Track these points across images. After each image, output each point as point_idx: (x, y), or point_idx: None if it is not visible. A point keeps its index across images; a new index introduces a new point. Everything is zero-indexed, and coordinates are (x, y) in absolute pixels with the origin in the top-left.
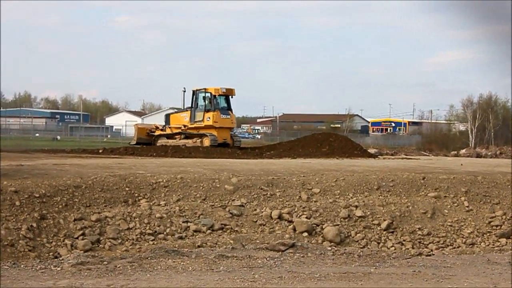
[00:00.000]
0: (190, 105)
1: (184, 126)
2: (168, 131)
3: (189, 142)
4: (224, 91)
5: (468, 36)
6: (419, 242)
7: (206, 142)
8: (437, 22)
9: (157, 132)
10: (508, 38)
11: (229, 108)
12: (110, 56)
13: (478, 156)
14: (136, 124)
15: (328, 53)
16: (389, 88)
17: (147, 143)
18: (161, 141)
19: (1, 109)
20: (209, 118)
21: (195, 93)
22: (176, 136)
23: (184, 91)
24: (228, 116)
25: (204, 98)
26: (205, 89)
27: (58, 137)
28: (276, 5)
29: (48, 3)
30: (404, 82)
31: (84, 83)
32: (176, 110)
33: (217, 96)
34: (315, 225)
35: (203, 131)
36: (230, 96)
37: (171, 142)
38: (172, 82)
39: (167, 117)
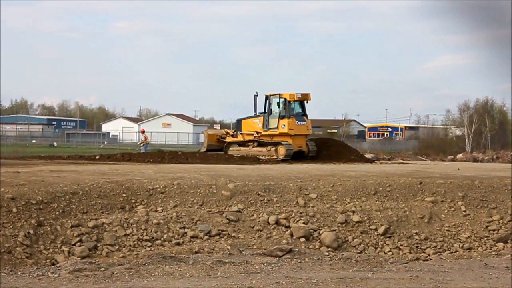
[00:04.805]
0: (263, 111)
1: (257, 132)
2: (239, 137)
3: (263, 151)
4: (300, 96)
5: (464, 41)
6: (417, 247)
7: (281, 151)
8: (434, 26)
9: (228, 139)
10: (505, 43)
11: (304, 113)
12: (108, 62)
13: (475, 160)
14: (206, 131)
15: (325, 58)
16: (386, 93)
17: (217, 149)
18: (233, 149)
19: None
20: (284, 125)
21: (268, 98)
22: (249, 144)
23: (256, 95)
24: (304, 123)
25: (278, 104)
26: (279, 94)
27: (55, 144)
28: (274, 10)
29: (45, 9)
30: (401, 87)
31: (81, 89)
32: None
33: (291, 101)
34: (312, 231)
35: (277, 138)
36: (305, 101)
37: (243, 150)
38: (169, 88)
39: (239, 122)
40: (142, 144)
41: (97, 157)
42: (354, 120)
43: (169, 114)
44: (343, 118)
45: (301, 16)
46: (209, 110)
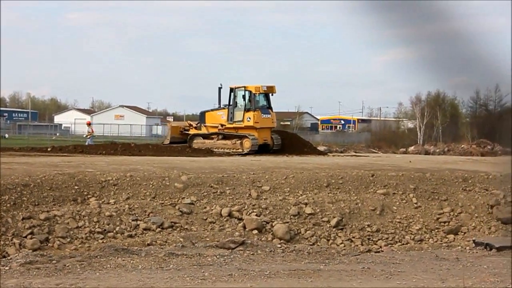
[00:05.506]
0: (227, 103)
1: (222, 125)
2: (203, 130)
3: (228, 144)
4: (265, 89)
5: (409, 35)
6: (368, 239)
7: (247, 144)
8: (378, 20)
9: (192, 131)
10: (444, 38)
11: (269, 106)
12: (61, 53)
13: (427, 153)
14: (169, 123)
15: (279, 50)
16: (339, 86)
17: (181, 142)
18: (197, 141)
19: None
20: (249, 118)
21: (233, 90)
22: (213, 137)
23: (221, 88)
24: (269, 116)
25: (243, 96)
26: (244, 87)
27: (6, 135)
28: (228, 3)
29: None
30: (354, 80)
31: (34, 81)
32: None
33: (257, 94)
34: (265, 223)
35: (242, 131)
36: (270, 94)
37: (208, 143)
38: (122, 80)
39: (202, 114)
40: (88, 137)
41: (49, 149)
42: (307, 113)
43: (122, 106)
44: (296, 111)
45: (254, 8)
46: (162, 103)
